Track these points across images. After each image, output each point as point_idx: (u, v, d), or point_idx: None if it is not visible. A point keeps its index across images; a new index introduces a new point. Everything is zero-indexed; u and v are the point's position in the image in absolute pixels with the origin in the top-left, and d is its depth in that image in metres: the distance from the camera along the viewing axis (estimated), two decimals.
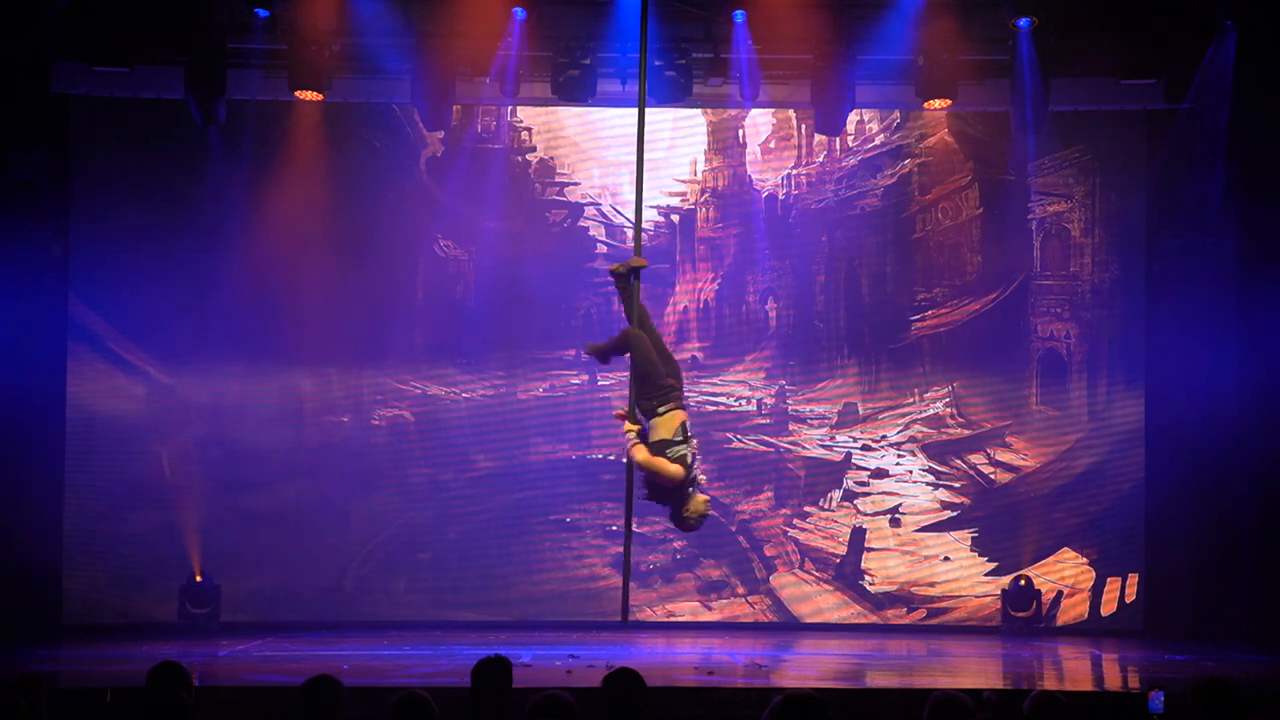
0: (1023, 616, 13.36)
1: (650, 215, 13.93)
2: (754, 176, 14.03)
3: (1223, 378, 13.22)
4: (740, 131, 14.02)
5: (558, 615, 13.46)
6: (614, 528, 13.34)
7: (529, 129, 13.98)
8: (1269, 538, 12.97)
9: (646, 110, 8.53)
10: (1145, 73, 12.65)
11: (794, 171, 14.02)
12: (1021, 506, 13.77)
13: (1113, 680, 11.01)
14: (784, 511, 13.89)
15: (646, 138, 8.50)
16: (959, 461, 13.85)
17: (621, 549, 13.40)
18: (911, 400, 13.91)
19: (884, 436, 13.90)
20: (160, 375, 13.56)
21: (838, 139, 13.84)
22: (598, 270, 13.91)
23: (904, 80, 12.83)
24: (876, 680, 10.18)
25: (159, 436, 13.49)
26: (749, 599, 13.83)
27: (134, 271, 13.44)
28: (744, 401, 13.93)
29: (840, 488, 13.90)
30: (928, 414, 13.88)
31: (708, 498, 8.27)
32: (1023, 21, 12.15)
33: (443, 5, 12.27)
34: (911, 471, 13.87)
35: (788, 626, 13.70)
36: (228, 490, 13.40)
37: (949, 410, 13.87)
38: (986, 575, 13.74)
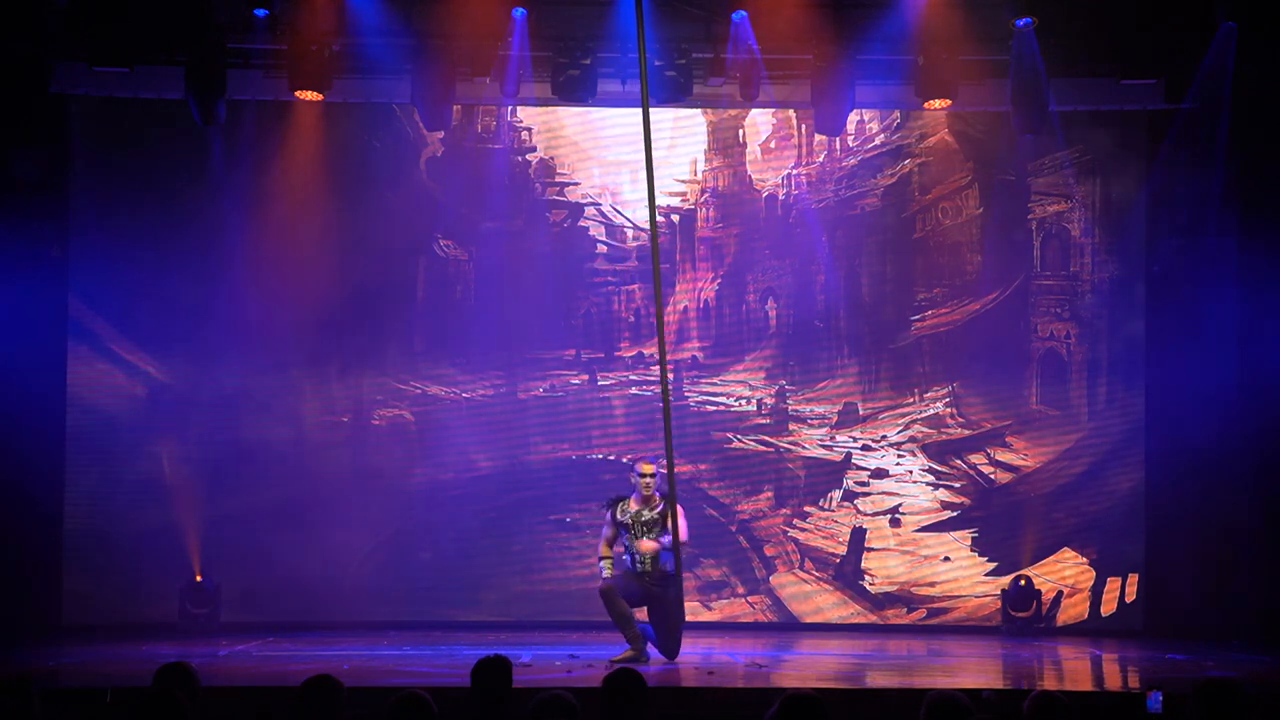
0: (1023, 616, 13.35)
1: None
2: (754, 176, 14.03)
3: (1223, 377, 13.22)
4: (740, 131, 14.01)
5: (558, 615, 13.44)
6: None
7: (529, 129, 13.98)
8: (1269, 537, 12.97)
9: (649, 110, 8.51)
10: (1145, 73, 12.63)
11: (794, 171, 14.02)
12: (1021, 506, 13.77)
13: (1112, 680, 11.00)
14: (784, 511, 13.89)
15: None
16: (959, 461, 13.85)
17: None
18: (911, 400, 13.91)
19: (884, 436, 13.90)
20: (160, 375, 13.56)
21: (838, 139, 13.83)
22: (598, 270, 13.92)
23: (904, 80, 12.82)
24: (876, 680, 10.17)
25: (159, 436, 13.48)
26: (749, 599, 13.82)
27: (134, 271, 13.44)
28: (744, 401, 13.93)
29: (840, 488, 13.90)
30: (928, 414, 13.88)
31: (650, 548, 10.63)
32: (1023, 21, 12.16)
33: (443, 5, 12.27)
34: (911, 471, 13.87)
35: (788, 626, 13.69)
36: (228, 490, 13.38)
37: (949, 410, 13.86)
38: (986, 575, 13.74)
